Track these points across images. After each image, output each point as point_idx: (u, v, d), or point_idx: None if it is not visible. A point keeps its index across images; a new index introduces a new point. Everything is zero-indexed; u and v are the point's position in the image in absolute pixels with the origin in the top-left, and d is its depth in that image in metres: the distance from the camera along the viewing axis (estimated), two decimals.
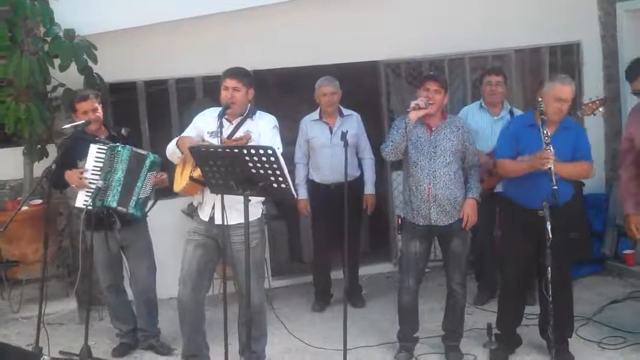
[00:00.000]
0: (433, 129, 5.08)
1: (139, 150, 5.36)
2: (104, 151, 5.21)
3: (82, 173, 5.15)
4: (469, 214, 5.07)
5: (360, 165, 6.43)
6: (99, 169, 5.18)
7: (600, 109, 6.02)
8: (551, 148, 4.59)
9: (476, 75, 7.39)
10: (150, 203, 5.52)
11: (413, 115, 4.96)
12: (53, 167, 4.94)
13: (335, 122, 6.35)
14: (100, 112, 5.39)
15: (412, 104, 4.99)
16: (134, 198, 5.27)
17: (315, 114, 6.42)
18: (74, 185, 5.25)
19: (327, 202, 6.26)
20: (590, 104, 5.96)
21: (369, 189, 6.41)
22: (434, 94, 5.01)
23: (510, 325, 5.23)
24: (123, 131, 5.51)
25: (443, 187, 5.02)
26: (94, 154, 5.20)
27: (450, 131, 5.08)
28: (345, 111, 6.42)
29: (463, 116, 6.21)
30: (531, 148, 4.80)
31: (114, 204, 5.20)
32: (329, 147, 6.29)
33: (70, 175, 5.22)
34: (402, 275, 5.27)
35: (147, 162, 5.28)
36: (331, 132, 6.32)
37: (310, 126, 6.39)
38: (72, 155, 5.28)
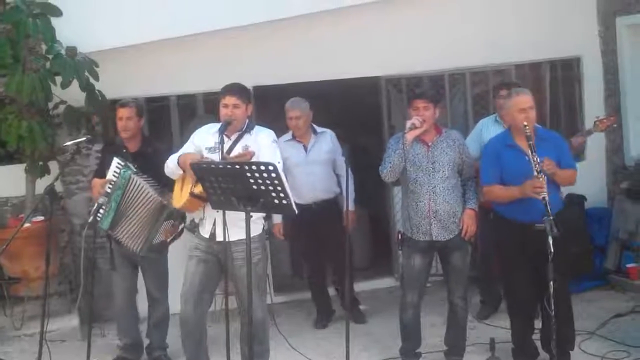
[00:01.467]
0: (430, 144, 5.10)
1: (153, 195, 5.18)
2: (121, 167, 5.19)
3: (102, 186, 5.18)
4: (468, 225, 5.09)
5: (339, 183, 6.32)
6: (112, 184, 5.18)
7: (614, 125, 6.08)
8: (543, 176, 4.58)
9: (477, 90, 7.40)
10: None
11: (410, 136, 5.00)
12: (55, 184, 4.95)
13: (310, 141, 6.30)
14: (136, 123, 5.42)
15: (408, 123, 5.04)
16: (147, 244, 5.26)
17: (288, 135, 6.32)
18: (95, 196, 5.26)
19: (309, 222, 6.08)
20: (605, 120, 5.99)
21: (349, 205, 6.31)
22: (423, 110, 5.04)
23: (524, 338, 5.19)
24: (149, 149, 5.50)
25: (443, 202, 5.03)
26: (113, 167, 5.21)
27: (447, 145, 5.11)
28: (319, 129, 6.36)
29: (478, 130, 6.22)
30: (513, 169, 4.82)
31: (105, 226, 5.20)
32: (305, 165, 6.21)
33: (94, 184, 5.28)
34: (403, 290, 5.28)
35: (165, 213, 5.22)
36: (306, 150, 6.27)
37: (284, 147, 6.14)
38: (104, 165, 5.36)
